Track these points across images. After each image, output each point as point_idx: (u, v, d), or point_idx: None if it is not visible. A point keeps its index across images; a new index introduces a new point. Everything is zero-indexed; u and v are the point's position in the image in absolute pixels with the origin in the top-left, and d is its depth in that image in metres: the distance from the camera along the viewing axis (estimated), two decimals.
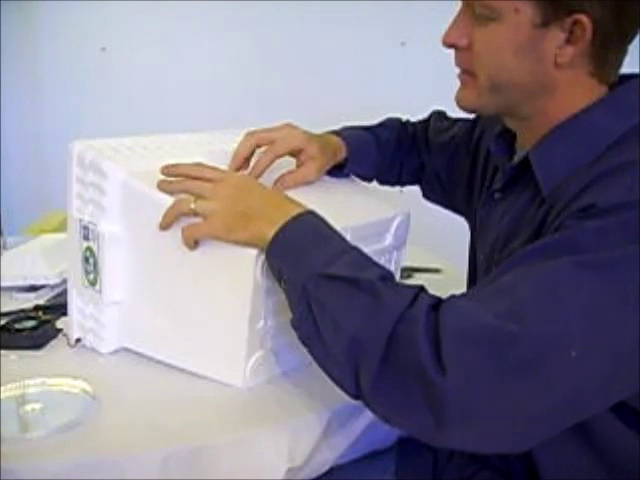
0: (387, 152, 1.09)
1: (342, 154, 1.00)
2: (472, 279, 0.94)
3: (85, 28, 2.32)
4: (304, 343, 0.70)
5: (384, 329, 0.61)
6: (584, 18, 0.68)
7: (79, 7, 2.27)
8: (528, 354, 0.58)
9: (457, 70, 0.79)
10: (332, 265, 0.67)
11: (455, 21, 0.76)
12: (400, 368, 0.61)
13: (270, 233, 0.71)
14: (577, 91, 0.74)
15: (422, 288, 0.66)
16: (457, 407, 0.58)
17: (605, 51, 0.72)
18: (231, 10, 2.24)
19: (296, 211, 0.73)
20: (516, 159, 0.82)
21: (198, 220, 0.76)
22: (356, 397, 0.65)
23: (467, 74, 0.77)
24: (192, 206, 0.75)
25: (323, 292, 0.67)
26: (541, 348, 0.58)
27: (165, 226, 0.78)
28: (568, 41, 0.70)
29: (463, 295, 0.64)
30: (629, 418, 0.67)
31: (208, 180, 0.77)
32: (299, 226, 0.72)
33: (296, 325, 0.70)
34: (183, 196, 0.77)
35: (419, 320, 0.60)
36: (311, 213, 0.73)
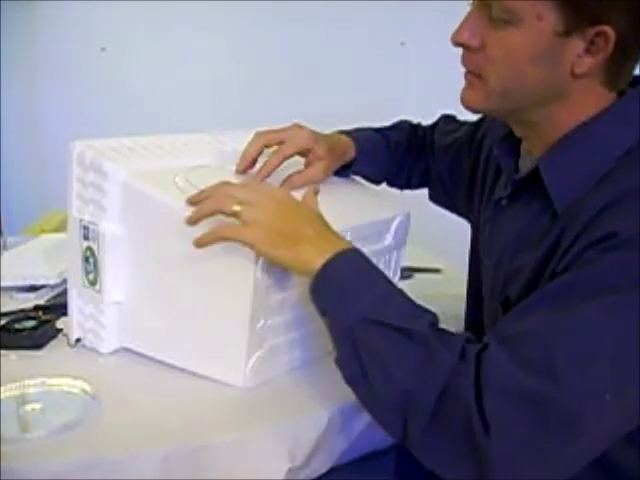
0: (397, 155, 1.08)
1: (351, 154, 1.00)
2: (475, 283, 0.93)
3: (85, 28, 2.32)
4: (348, 383, 0.69)
5: (436, 384, 0.62)
6: (609, 30, 0.66)
7: (79, 7, 2.27)
8: (567, 411, 0.59)
9: (463, 69, 0.77)
10: (380, 310, 0.67)
11: (467, 20, 0.74)
12: (449, 423, 0.61)
13: (318, 263, 0.69)
14: (588, 99, 0.72)
15: (468, 338, 0.66)
16: (500, 463, 0.60)
17: (622, 62, 0.70)
18: (231, 10, 2.24)
19: (342, 245, 0.72)
20: (522, 166, 0.81)
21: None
22: (401, 441, 0.66)
23: (475, 75, 0.75)
24: (236, 208, 0.72)
25: (373, 339, 0.66)
26: (579, 403, 0.59)
27: (195, 220, 0.74)
28: (587, 51, 0.68)
29: (498, 342, 0.63)
30: (630, 432, 0.66)
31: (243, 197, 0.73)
32: (345, 263, 0.70)
33: (341, 365, 0.70)
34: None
35: (469, 376, 0.61)
36: (355, 250, 0.72)
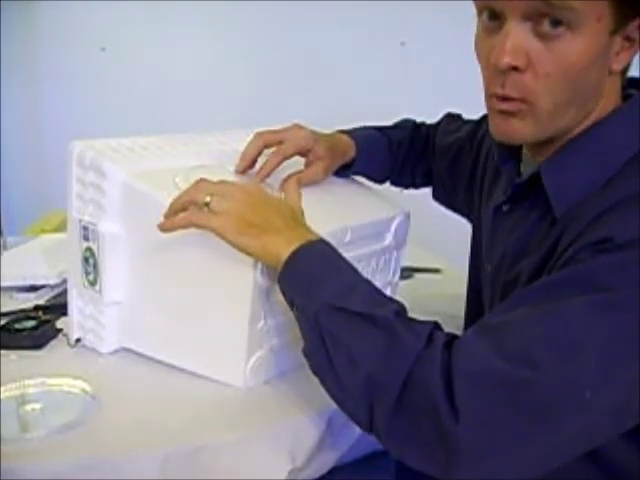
0: (399, 154, 1.08)
1: (351, 154, 1.00)
2: (474, 284, 0.93)
3: (85, 28, 2.32)
4: (315, 373, 0.69)
5: (400, 370, 0.61)
6: None
7: (79, 7, 2.27)
8: (542, 400, 0.58)
9: (494, 100, 0.69)
10: (346, 298, 0.66)
11: (505, 40, 0.65)
12: (415, 409, 0.60)
13: (285, 253, 0.70)
14: (610, 98, 0.70)
15: (436, 324, 0.65)
16: (469, 451, 0.58)
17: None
18: (231, 10, 2.24)
19: (310, 237, 0.72)
20: (524, 171, 0.80)
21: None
22: (368, 430, 0.65)
23: (521, 102, 0.67)
24: (207, 199, 0.73)
25: (337, 326, 0.66)
26: (555, 393, 0.58)
27: (171, 213, 0.75)
28: (622, 47, 0.66)
29: (475, 330, 0.63)
30: (629, 433, 0.65)
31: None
32: (313, 252, 0.71)
33: (308, 354, 0.69)
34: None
35: (435, 362, 0.60)
36: (323, 241, 0.72)
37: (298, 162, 0.92)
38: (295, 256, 0.70)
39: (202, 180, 0.76)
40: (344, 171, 1.01)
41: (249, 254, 0.73)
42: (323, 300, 0.67)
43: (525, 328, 0.59)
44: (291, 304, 0.71)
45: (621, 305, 0.58)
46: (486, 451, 0.59)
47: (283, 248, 0.70)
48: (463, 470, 0.59)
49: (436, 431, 0.58)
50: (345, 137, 1.00)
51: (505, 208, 0.80)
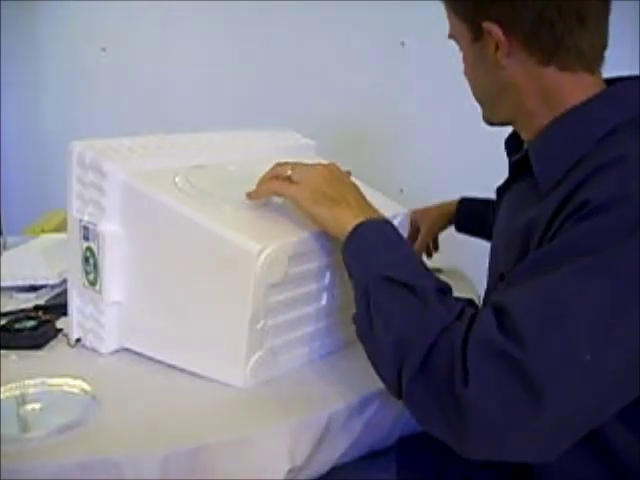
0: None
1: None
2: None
3: (85, 28, 2.31)
4: (359, 338, 0.74)
5: (429, 335, 0.64)
6: (486, 24, 0.73)
7: (79, 7, 2.26)
8: (539, 375, 0.59)
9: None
10: (394, 269, 0.71)
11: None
12: (436, 374, 0.63)
13: (350, 225, 0.75)
14: (545, 84, 0.75)
15: (471, 301, 0.70)
16: (477, 418, 0.60)
17: (542, 34, 0.73)
18: (231, 10, 2.23)
19: (375, 216, 0.78)
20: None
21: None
22: (398, 396, 0.68)
23: None
24: (289, 172, 0.81)
25: (382, 294, 0.71)
26: (552, 365, 0.59)
27: (259, 185, 0.83)
28: (497, 46, 0.75)
29: (487, 307, 0.65)
30: (629, 418, 0.66)
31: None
32: (374, 228, 0.76)
33: (355, 320, 0.75)
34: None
35: (460, 332, 0.63)
36: (386, 220, 0.78)
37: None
38: (358, 230, 0.75)
39: (280, 164, 0.84)
40: None
41: (320, 223, 0.79)
42: (374, 271, 0.72)
43: (515, 306, 0.62)
44: (349, 273, 0.76)
45: (605, 266, 0.60)
46: (494, 420, 0.60)
47: (350, 220, 0.76)
48: (474, 440, 0.62)
49: (450, 396, 0.61)
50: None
51: (502, 189, 0.86)
